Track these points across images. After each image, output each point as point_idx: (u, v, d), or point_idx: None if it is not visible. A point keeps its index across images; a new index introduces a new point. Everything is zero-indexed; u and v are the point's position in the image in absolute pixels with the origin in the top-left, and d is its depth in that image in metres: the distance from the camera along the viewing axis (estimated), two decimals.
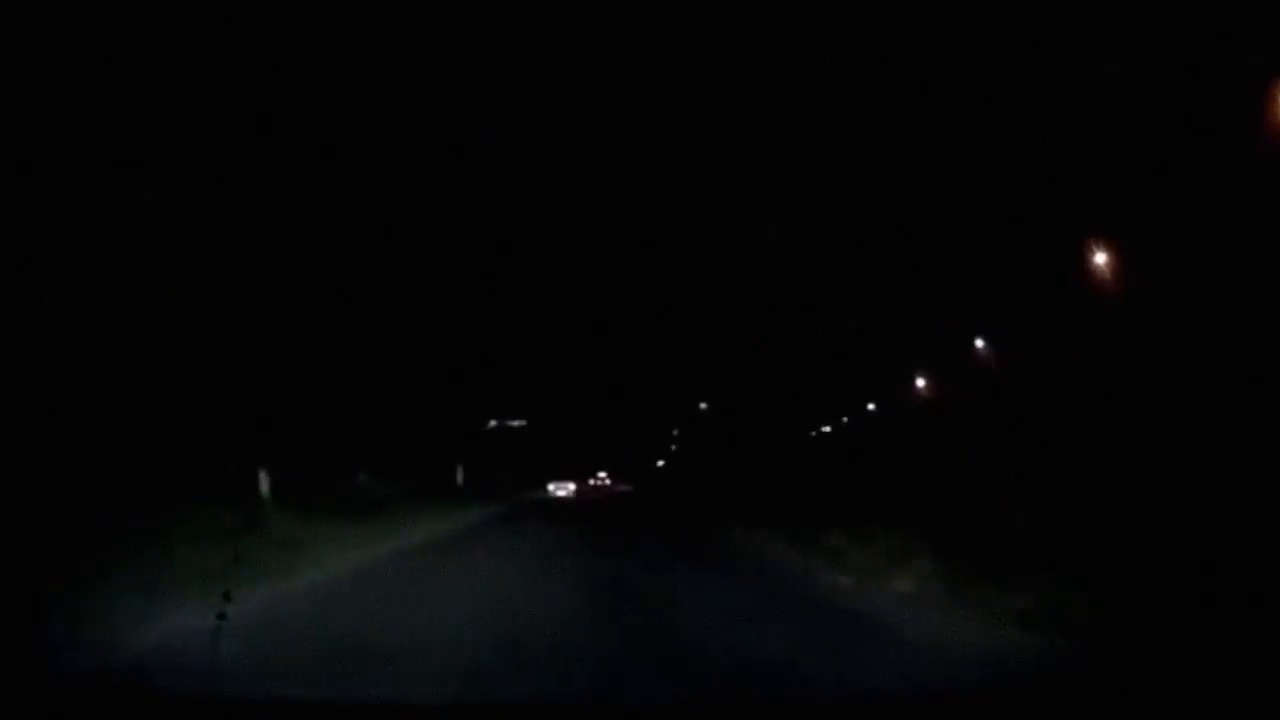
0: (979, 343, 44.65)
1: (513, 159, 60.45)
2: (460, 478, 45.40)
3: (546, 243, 68.50)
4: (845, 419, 64.38)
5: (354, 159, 29.54)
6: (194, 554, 11.86)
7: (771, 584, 12.45)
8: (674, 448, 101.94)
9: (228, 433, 20.60)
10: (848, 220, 50.67)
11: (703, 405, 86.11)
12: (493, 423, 67.80)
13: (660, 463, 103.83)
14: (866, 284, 51.35)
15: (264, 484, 20.23)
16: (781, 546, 16.07)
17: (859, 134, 48.42)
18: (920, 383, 52.30)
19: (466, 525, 24.96)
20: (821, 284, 56.29)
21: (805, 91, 51.66)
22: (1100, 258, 32.43)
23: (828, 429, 67.96)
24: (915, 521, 15.66)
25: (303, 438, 24.73)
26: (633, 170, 69.25)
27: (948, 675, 6.57)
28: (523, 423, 74.49)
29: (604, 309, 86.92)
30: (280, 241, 24.45)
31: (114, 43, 18.39)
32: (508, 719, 5.18)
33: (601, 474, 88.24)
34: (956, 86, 38.98)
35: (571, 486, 66.12)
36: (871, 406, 59.38)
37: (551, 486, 64.87)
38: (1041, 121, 33.81)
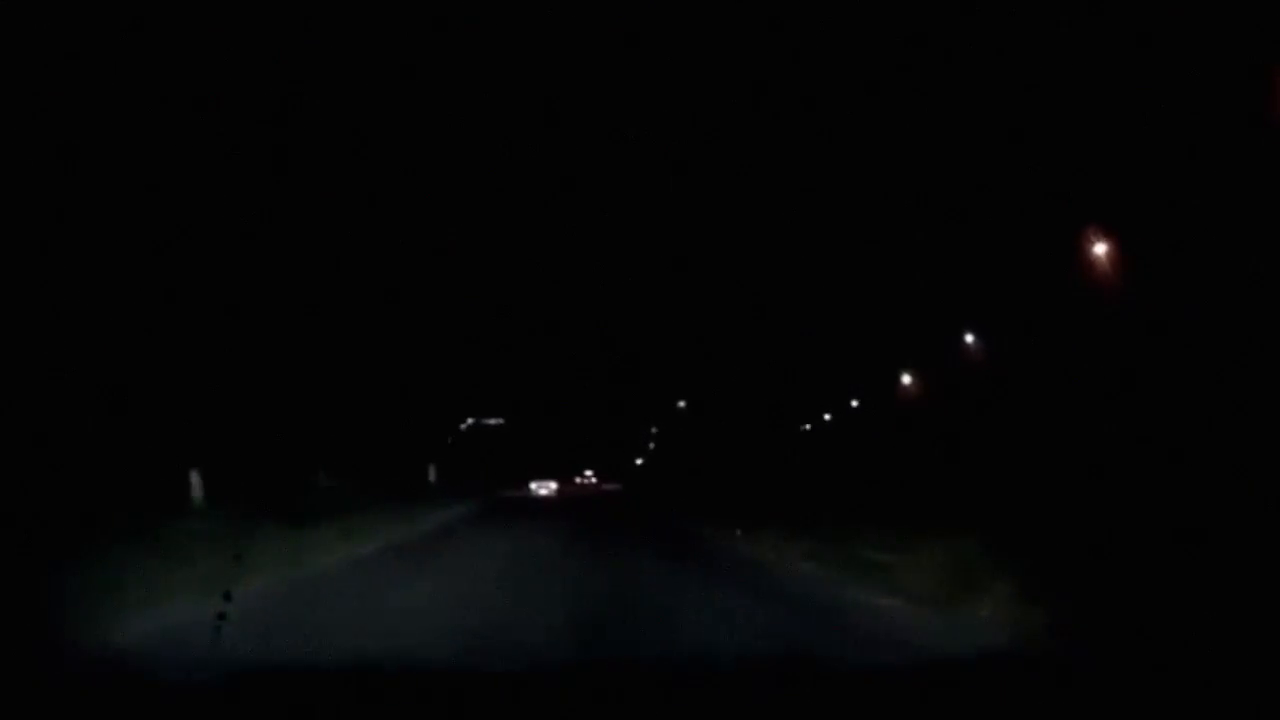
0: (969, 337, 42.50)
1: (495, 156, 58.21)
2: (433, 476, 42.45)
3: (527, 244, 66.56)
4: (828, 416, 62.12)
5: (326, 148, 27.41)
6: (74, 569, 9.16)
7: (801, 609, 9.56)
8: (652, 446, 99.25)
9: (158, 429, 17.78)
10: (829, 214, 48.63)
11: (681, 404, 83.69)
12: (470, 420, 65.92)
13: (639, 461, 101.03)
14: (849, 278, 49.29)
15: (196, 486, 17.32)
16: (796, 555, 13.25)
17: (840, 126, 46.43)
18: (906, 379, 49.94)
19: (433, 528, 21.93)
20: (802, 279, 54.22)
21: (786, 85, 49.54)
22: (1100, 248, 30.51)
23: (808, 426, 65.56)
24: (954, 526, 13.05)
25: (254, 435, 21.89)
26: (614, 166, 66.91)
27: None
28: (500, 421, 72.77)
29: (584, 308, 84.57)
30: (242, 231, 22.19)
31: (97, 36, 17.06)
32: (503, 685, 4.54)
33: (588, 472, 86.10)
34: (944, 77, 37.09)
35: (553, 485, 64.53)
36: (855, 403, 57.16)
37: (533, 485, 63.41)
38: (1033, 111, 31.97)
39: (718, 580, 11.78)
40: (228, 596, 5.46)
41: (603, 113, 59.92)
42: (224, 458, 19.21)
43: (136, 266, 18.58)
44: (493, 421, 72.01)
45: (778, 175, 56.30)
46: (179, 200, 19.89)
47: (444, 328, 42.93)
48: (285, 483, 22.98)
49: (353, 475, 28.38)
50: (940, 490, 19.25)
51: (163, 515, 14.91)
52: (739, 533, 17.08)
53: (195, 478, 17.49)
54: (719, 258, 68.20)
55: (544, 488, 62.60)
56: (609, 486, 76.87)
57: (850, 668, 5.30)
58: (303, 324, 26.55)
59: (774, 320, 58.48)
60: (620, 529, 22.47)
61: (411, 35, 40.80)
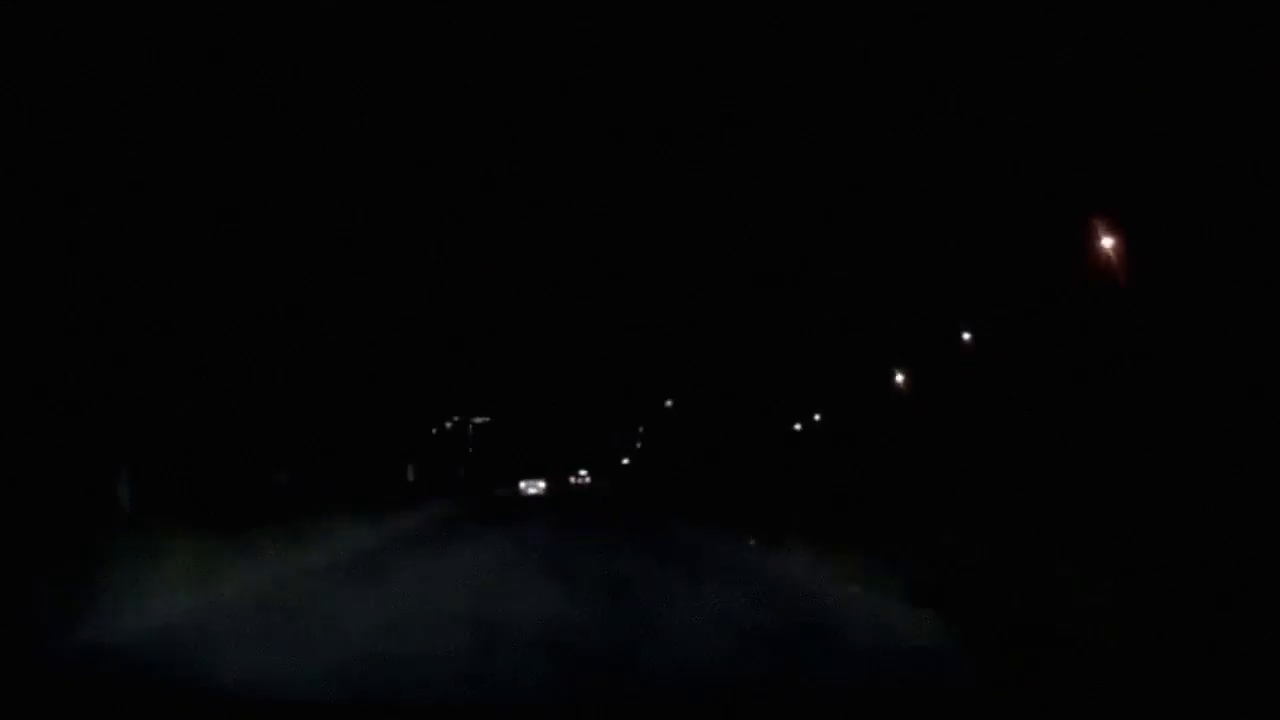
0: (966, 335, 40.25)
1: (485, 155, 56.18)
2: (412, 475, 39.58)
3: (514, 245, 64.96)
4: (817, 416, 59.67)
5: (307, 141, 25.47)
6: None
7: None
8: (639, 445, 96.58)
9: (83, 424, 15.03)
10: (819, 210, 46.59)
11: (668, 403, 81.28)
12: (455, 418, 63.66)
13: (625, 461, 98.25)
14: (840, 276, 47.13)
15: (124, 490, 14.52)
16: (833, 574, 10.45)
17: (830, 123, 44.41)
18: (900, 378, 47.47)
19: (403, 534, 19.05)
20: (792, 277, 52.10)
21: (776, 81, 47.46)
22: (1107, 242, 28.48)
23: (798, 426, 63.05)
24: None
25: (205, 432, 19.12)
26: (604, 166, 64.84)
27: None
28: (486, 419, 70.60)
29: (571, 306, 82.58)
30: (211, 220, 19.94)
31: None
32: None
33: (582, 472, 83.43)
34: (938, 70, 35.15)
35: (542, 484, 61.94)
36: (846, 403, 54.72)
37: (523, 484, 61.03)
38: (1032, 99, 30.19)
39: (754, 613, 8.83)
40: None
41: (593, 111, 57.85)
42: (168, 457, 16.48)
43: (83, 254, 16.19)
44: (479, 420, 69.90)
45: (766, 172, 54.39)
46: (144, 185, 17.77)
47: (430, 326, 41.03)
48: (246, 482, 20.26)
49: (323, 473, 25.58)
50: (952, 493, 16.75)
51: (84, 526, 12.32)
52: (753, 543, 14.31)
53: (123, 480, 14.68)
54: (709, 256, 66.02)
55: (533, 486, 60.30)
56: (602, 485, 73.97)
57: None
58: (274, 317, 24.17)
59: (763, 318, 56.26)
60: (616, 534, 19.66)
61: (399, 33, 38.90)
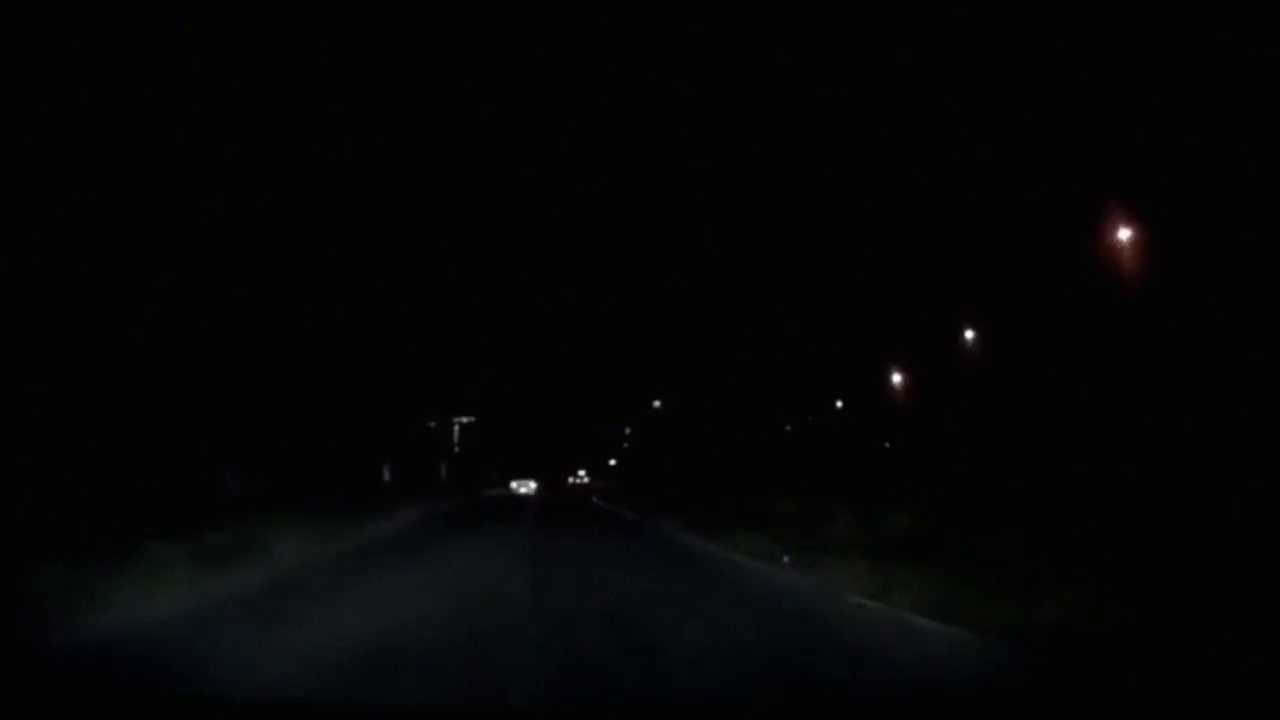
0: (969, 334, 38.13)
1: (476, 157, 55.06)
2: (388, 475, 36.86)
3: (504, 247, 63.98)
4: (810, 417, 57.40)
5: (297, 139, 24.87)
6: None
7: None
8: (626, 446, 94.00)
9: None
10: (812, 209, 44.71)
11: (656, 403, 78.82)
12: (440, 417, 61.41)
13: (613, 462, 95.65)
14: (834, 275, 45.07)
15: None
16: (907, 606, 7.80)
17: (824, 121, 42.72)
18: (896, 378, 45.11)
19: (363, 543, 16.19)
20: (786, 276, 49.94)
21: (767, 71, 45.57)
22: (1124, 234, 26.73)
23: (789, 429, 60.72)
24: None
25: (117, 425, 16.41)
26: (593, 166, 63.10)
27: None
28: (471, 419, 68.51)
29: (557, 308, 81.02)
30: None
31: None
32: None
33: (580, 472, 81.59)
34: (937, 65, 33.68)
35: (533, 484, 60.38)
36: (840, 404, 52.47)
37: (514, 484, 60.27)
38: (1036, 92, 28.43)
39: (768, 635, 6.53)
40: None
41: (583, 111, 56.15)
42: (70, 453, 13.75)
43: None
44: (464, 419, 68.13)
45: (756, 172, 52.65)
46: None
47: (415, 325, 38.98)
48: (187, 483, 17.47)
49: (284, 473, 22.87)
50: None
51: None
52: (787, 560, 11.69)
53: None
54: (699, 256, 64.13)
55: (524, 486, 58.92)
56: (598, 486, 71.50)
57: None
58: (244, 309, 21.74)
59: (756, 319, 54.14)
60: (618, 546, 16.89)
61: (386, 23, 37.35)
